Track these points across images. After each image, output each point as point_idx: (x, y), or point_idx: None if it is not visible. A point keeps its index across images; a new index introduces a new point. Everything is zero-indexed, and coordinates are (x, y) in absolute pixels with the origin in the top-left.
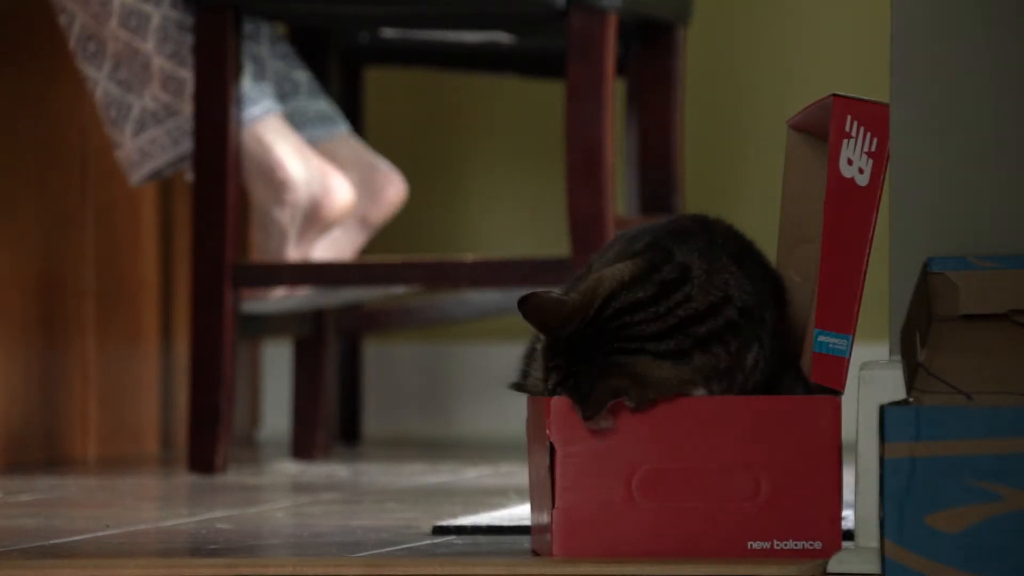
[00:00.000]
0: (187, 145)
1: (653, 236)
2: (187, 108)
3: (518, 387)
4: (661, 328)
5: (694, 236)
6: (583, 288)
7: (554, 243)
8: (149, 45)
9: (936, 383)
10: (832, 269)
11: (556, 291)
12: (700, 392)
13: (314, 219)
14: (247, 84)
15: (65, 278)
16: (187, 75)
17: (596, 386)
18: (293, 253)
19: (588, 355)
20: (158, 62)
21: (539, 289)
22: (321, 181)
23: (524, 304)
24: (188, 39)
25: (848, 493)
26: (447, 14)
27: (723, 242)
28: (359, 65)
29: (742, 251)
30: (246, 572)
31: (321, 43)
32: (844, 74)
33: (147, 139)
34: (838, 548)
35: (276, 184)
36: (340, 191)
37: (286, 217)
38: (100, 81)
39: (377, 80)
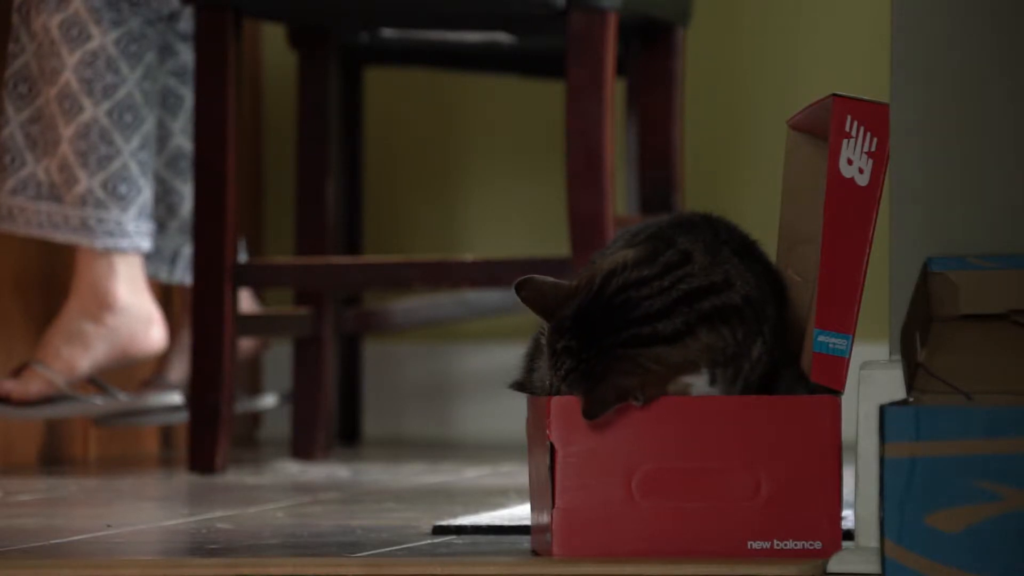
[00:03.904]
0: (59, 234)
1: (656, 228)
2: (72, 197)
3: (518, 387)
4: (665, 303)
5: (697, 229)
6: (582, 275)
7: (554, 243)
8: (99, 109)
9: (936, 383)
10: (832, 269)
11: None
12: (705, 376)
13: (123, 350)
14: (131, 216)
15: (65, 278)
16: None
17: (602, 384)
18: (84, 363)
19: (597, 338)
20: (74, 137)
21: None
22: (146, 321)
23: (522, 288)
24: (146, 121)
25: (848, 493)
26: (447, 14)
27: (727, 238)
28: (359, 65)
29: (744, 248)
30: (246, 572)
31: (321, 43)
32: (844, 74)
33: (18, 204)
34: (838, 548)
35: (103, 305)
36: (156, 336)
37: (97, 335)
38: (12, 123)
39: (377, 80)
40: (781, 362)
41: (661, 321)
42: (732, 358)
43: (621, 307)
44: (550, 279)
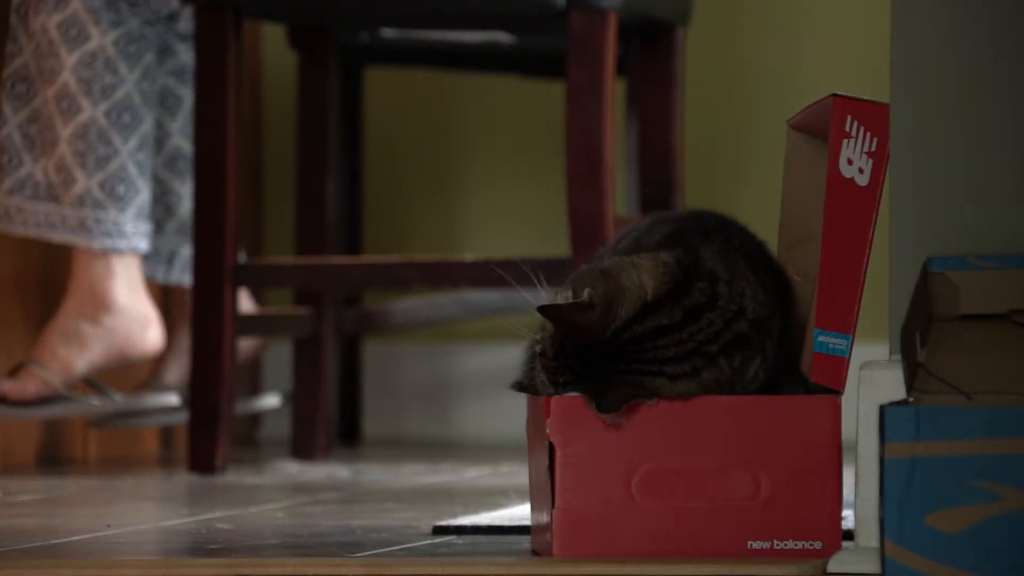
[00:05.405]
0: (56, 234)
1: (673, 228)
2: (70, 197)
3: (518, 387)
4: (679, 353)
5: (713, 235)
6: (604, 292)
7: (554, 243)
8: (97, 109)
9: (936, 383)
10: (832, 269)
11: (581, 291)
12: None
13: (120, 351)
14: (129, 217)
15: (63, 278)
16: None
17: (613, 391)
18: (81, 364)
19: (603, 365)
20: (72, 139)
21: (555, 299)
22: (143, 322)
23: (548, 312)
24: (144, 121)
25: (848, 493)
26: (447, 14)
27: (739, 244)
28: (359, 65)
29: (755, 254)
30: (246, 572)
31: (321, 43)
32: (844, 74)
33: (15, 204)
34: (838, 548)
35: (100, 305)
36: (153, 337)
37: (94, 335)
38: (9, 123)
39: (377, 80)
40: (782, 366)
41: (670, 365)
42: (726, 385)
43: (635, 352)
44: (582, 301)
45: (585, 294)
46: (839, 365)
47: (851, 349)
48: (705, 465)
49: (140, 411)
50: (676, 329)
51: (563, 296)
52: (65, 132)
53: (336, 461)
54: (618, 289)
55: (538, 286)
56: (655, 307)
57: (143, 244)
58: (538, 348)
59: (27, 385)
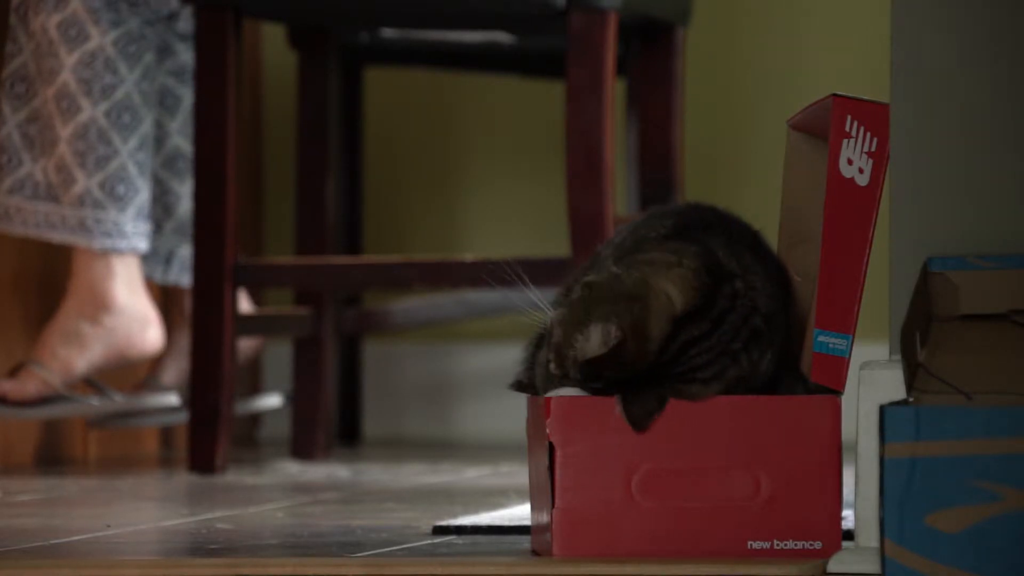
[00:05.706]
0: (56, 234)
1: (674, 222)
2: (70, 197)
3: (518, 386)
4: (709, 359)
5: (714, 228)
6: (632, 322)
7: (554, 243)
8: (97, 110)
9: (936, 383)
10: (832, 269)
11: (609, 324)
12: None
13: (119, 351)
14: (129, 217)
15: (63, 278)
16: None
17: (647, 399)
18: (81, 364)
19: (637, 384)
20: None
21: (587, 340)
22: (143, 322)
23: (592, 364)
24: (144, 121)
25: (848, 493)
26: (447, 14)
27: (739, 236)
28: (359, 65)
29: (756, 246)
30: (246, 572)
31: (321, 43)
32: (844, 74)
33: (15, 204)
34: (838, 548)
35: (100, 305)
36: (152, 337)
37: (94, 335)
38: (8, 123)
39: (377, 80)
40: (783, 363)
41: (701, 371)
42: (744, 379)
43: (668, 367)
44: (610, 342)
45: (614, 332)
46: (839, 365)
47: (851, 349)
48: (705, 465)
49: (140, 411)
50: (706, 338)
51: (597, 331)
52: (65, 132)
53: (336, 461)
54: (646, 313)
55: (532, 288)
56: (684, 320)
57: (143, 244)
58: (553, 368)
59: (27, 385)
